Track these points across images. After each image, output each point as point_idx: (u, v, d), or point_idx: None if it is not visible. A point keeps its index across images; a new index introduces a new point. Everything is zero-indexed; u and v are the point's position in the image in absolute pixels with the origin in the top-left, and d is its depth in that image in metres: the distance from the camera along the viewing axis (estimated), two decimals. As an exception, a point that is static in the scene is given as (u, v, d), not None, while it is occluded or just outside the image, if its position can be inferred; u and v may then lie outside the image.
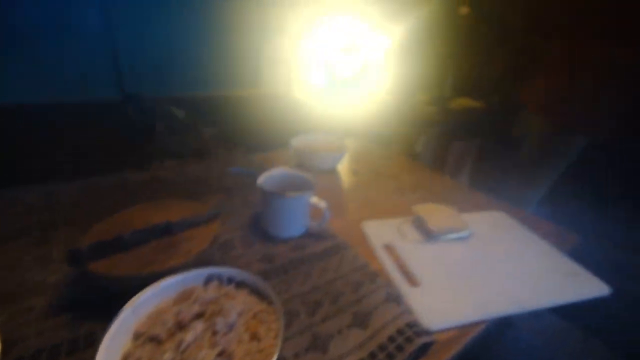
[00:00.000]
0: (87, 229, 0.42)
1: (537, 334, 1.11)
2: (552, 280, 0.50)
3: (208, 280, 0.36)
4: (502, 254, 0.55)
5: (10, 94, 1.01)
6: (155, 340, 0.29)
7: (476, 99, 2.16)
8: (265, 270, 0.46)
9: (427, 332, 0.38)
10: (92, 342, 0.33)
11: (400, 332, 0.37)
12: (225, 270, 0.36)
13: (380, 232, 0.58)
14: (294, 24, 1.61)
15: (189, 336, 0.29)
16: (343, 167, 0.89)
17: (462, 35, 1.59)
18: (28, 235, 0.50)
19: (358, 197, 0.73)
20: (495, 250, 0.56)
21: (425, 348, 0.37)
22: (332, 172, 0.85)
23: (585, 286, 0.49)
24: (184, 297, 0.34)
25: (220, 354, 0.28)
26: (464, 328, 0.40)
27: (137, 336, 0.30)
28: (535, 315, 1.17)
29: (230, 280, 0.36)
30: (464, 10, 1.49)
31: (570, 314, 1.15)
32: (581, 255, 0.59)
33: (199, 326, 0.30)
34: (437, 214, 0.59)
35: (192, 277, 0.36)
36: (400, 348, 0.36)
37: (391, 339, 0.37)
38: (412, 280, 0.47)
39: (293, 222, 0.53)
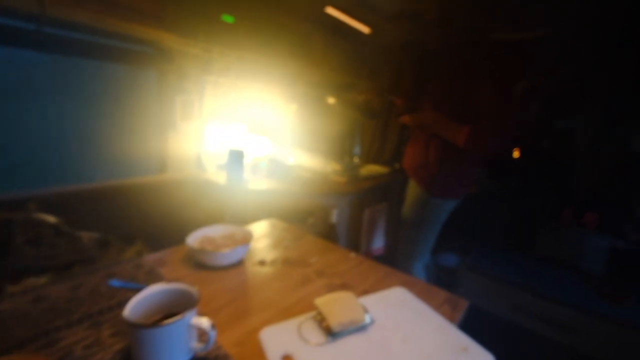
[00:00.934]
0: None
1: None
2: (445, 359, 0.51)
3: None
4: (400, 339, 0.55)
5: None
6: None
7: (382, 165, 2.44)
8: None
9: None
10: None
11: None
12: None
13: (279, 339, 0.54)
14: (203, 107, 1.65)
15: None
16: (249, 257, 0.85)
17: (334, 117, 1.97)
18: None
19: (261, 295, 0.69)
20: (394, 336, 0.56)
21: None
22: (237, 266, 0.80)
23: (473, 362, 0.51)
24: None
25: None
26: None
27: None
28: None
29: None
30: (331, 100, 1.86)
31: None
32: (472, 323, 0.64)
33: None
34: (337, 307, 0.58)
35: None
36: None
37: None
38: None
39: (172, 353, 0.45)
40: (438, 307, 0.66)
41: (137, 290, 0.50)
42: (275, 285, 0.73)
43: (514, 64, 1.01)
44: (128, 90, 1.44)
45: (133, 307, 0.46)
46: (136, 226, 1.38)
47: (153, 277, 0.70)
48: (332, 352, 0.52)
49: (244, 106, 1.85)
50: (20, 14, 0.96)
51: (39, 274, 0.73)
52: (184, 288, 0.51)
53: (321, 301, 0.60)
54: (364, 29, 2.00)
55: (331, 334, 0.55)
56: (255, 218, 1.14)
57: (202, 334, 0.49)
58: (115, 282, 0.67)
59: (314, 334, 0.55)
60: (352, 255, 0.90)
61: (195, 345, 0.47)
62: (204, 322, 0.46)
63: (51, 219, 0.80)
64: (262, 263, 0.82)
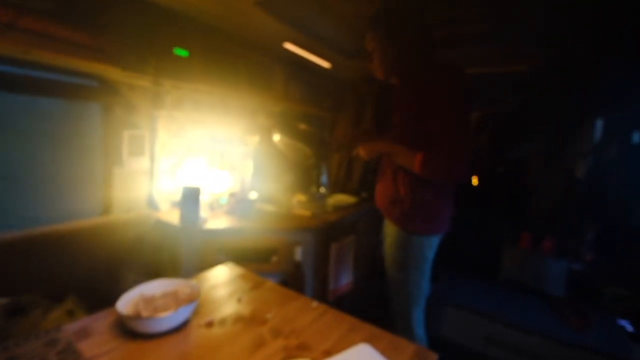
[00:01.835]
0: None
1: None
2: None
3: None
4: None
5: None
6: None
7: (349, 194, 2.41)
8: None
9: None
10: None
11: None
12: None
13: None
14: (155, 142, 1.54)
15: None
16: (196, 316, 0.74)
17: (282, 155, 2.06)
18: None
19: (204, 368, 0.58)
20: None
21: None
22: (179, 330, 0.68)
23: None
24: None
25: None
26: None
27: None
28: None
29: None
30: (276, 136, 1.90)
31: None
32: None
33: None
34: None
35: None
36: None
37: None
38: None
39: None
40: (407, 364, 0.60)
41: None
42: (224, 352, 0.63)
43: (465, 89, 1.01)
44: (68, 125, 1.31)
45: None
46: (70, 279, 1.20)
47: (67, 357, 0.57)
48: None
49: (203, 140, 1.76)
50: None
51: None
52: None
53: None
54: (325, 63, 2.04)
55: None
56: (213, 261, 1.03)
57: None
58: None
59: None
60: (314, 304, 0.82)
61: None
62: None
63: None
64: (209, 324, 0.71)
